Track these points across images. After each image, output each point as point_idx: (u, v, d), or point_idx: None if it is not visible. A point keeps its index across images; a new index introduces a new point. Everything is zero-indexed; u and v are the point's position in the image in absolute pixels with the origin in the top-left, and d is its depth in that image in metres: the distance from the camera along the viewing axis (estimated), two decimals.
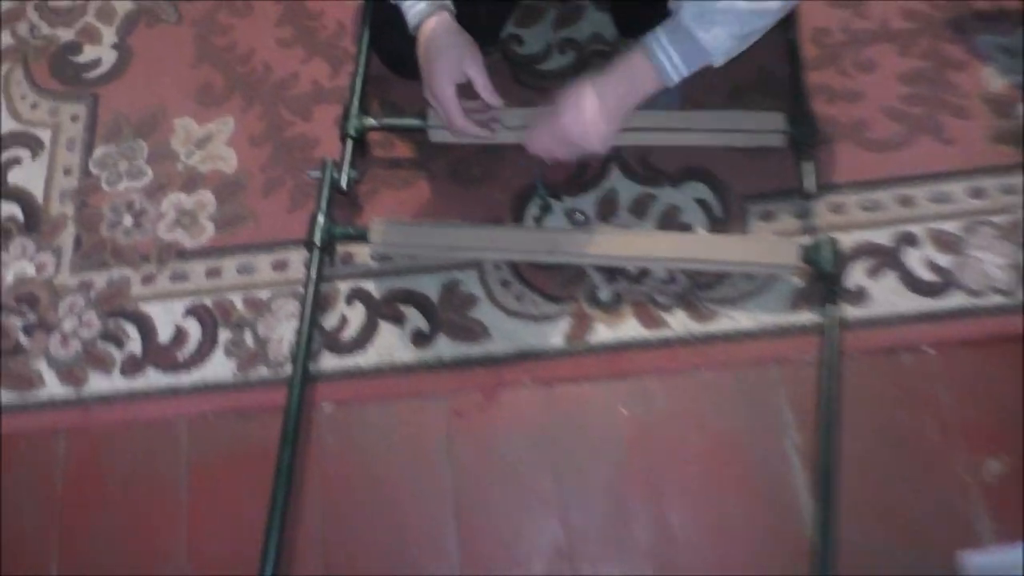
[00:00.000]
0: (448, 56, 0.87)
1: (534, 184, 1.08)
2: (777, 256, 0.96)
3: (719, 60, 0.82)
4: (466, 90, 0.91)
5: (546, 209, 1.07)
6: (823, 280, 0.97)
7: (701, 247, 0.99)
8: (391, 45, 1.06)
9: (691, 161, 1.08)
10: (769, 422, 0.95)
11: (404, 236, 1.01)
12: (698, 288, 1.02)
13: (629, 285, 1.02)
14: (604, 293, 1.02)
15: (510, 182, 1.09)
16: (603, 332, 1.00)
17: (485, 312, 1.02)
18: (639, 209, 1.06)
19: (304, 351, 0.97)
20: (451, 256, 1.03)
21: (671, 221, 1.05)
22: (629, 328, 1.00)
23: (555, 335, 1.00)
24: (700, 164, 1.08)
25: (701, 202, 1.06)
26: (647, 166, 1.08)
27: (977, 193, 1.03)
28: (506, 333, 1.01)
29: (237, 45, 1.22)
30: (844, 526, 0.88)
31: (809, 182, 1.00)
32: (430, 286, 1.04)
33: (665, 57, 0.82)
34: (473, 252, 1.01)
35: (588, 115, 0.84)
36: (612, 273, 1.03)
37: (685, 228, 1.05)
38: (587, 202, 1.07)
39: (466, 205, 1.08)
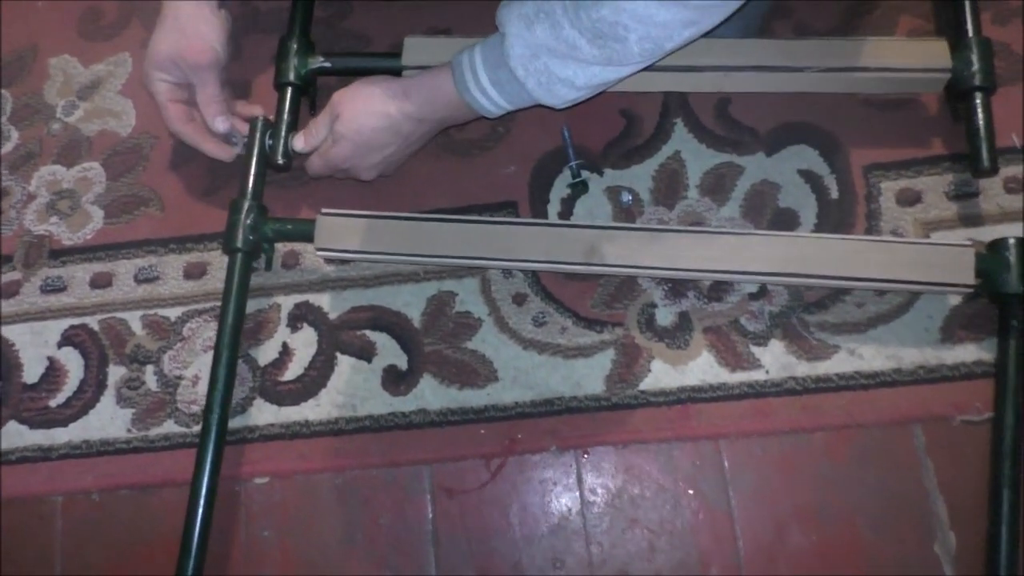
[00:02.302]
0: (164, 42, 0.76)
1: (563, 152, 0.83)
2: (935, 268, 0.70)
3: (558, 106, 0.71)
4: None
5: (580, 188, 0.82)
6: (1001, 302, 0.71)
7: (814, 254, 0.73)
8: None
9: (789, 115, 0.83)
10: (910, 514, 0.72)
11: (368, 236, 0.77)
12: (803, 309, 0.76)
13: (701, 303, 0.77)
14: (665, 314, 0.77)
15: (527, 148, 0.85)
16: (663, 373, 0.77)
17: (490, 341, 0.79)
18: (716, 187, 0.81)
19: (221, 398, 0.73)
20: (439, 264, 0.78)
21: (764, 204, 0.80)
22: (701, 368, 0.77)
23: (592, 377, 0.78)
24: (803, 120, 0.83)
25: (807, 175, 0.80)
26: (727, 123, 0.83)
27: None
28: (520, 373, 0.78)
29: None
30: None
31: (988, 152, 0.73)
32: (410, 302, 0.80)
33: (480, 94, 0.71)
34: (472, 260, 0.76)
35: (363, 137, 0.74)
36: (676, 285, 0.77)
37: (785, 215, 0.79)
38: (640, 177, 0.83)
39: (464, 184, 0.84)
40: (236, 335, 0.75)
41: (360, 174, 0.77)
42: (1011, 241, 0.71)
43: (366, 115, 0.73)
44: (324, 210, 0.78)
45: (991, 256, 0.71)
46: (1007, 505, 0.67)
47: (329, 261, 0.82)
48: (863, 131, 0.81)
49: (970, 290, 0.70)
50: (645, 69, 0.70)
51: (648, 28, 0.62)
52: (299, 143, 0.78)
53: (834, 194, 0.80)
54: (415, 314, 0.81)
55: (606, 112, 0.85)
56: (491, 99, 0.71)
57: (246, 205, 0.78)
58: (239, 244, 0.77)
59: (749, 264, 0.73)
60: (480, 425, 0.77)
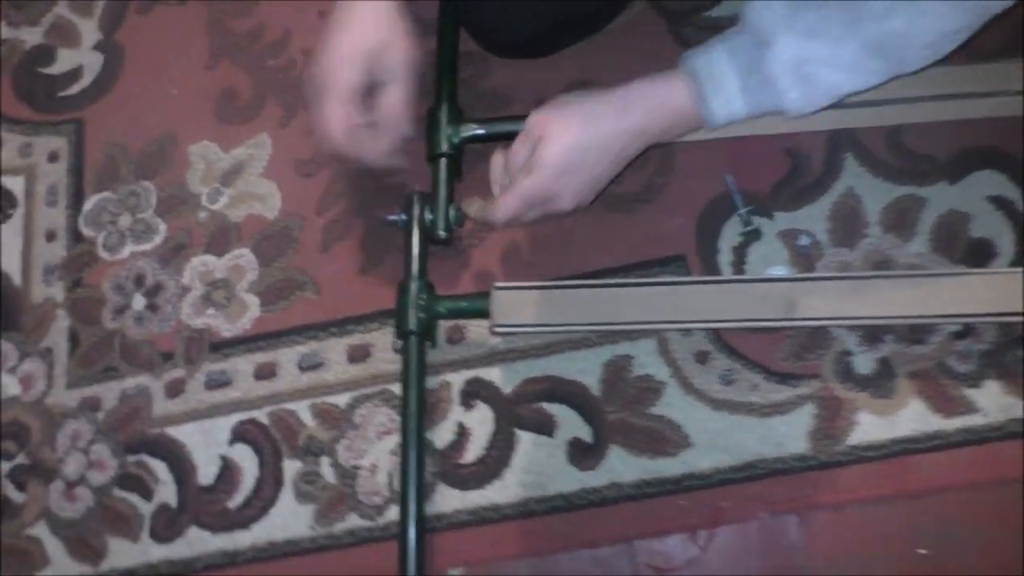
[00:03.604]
0: (369, 31, 0.73)
1: (728, 196, 0.84)
2: None
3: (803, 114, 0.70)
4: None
5: (753, 235, 0.81)
6: None
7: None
8: (483, 11, 0.83)
9: (969, 140, 0.82)
10: None
11: (544, 308, 0.79)
12: (1018, 345, 0.74)
13: (901, 347, 0.77)
14: (863, 362, 0.77)
15: (689, 198, 0.86)
16: (871, 426, 0.76)
17: (676, 405, 0.80)
18: (899, 222, 0.80)
19: (416, 492, 0.75)
20: (626, 331, 0.79)
21: (954, 237, 0.80)
22: (912, 416, 0.76)
23: (793, 435, 0.77)
24: (985, 144, 0.82)
25: (998, 202, 0.80)
26: (901, 153, 0.83)
27: None
28: (714, 436, 0.78)
29: (266, 29, 0.99)
30: None
31: None
32: (586, 369, 0.82)
33: (723, 102, 0.69)
34: (663, 325, 0.77)
35: (568, 159, 0.71)
36: (871, 329, 0.78)
37: (980, 247, 0.78)
38: (814, 218, 0.83)
39: (627, 240, 0.85)
40: (421, 422, 0.77)
41: (559, 204, 0.73)
42: None
43: (576, 134, 0.70)
44: (497, 284, 0.80)
45: None
46: None
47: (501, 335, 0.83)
48: None
49: None
50: None
51: (934, 36, 0.63)
52: (497, 163, 0.76)
53: None
54: (592, 381, 0.81)
55: (769, 152, 0.85)
56: (732, 108, 0.69)
57: (414, 286, 0.80)
58: (413, 327, 0.79)
59: (966, 305, 0.72)
60: (679, 496, 0.77)
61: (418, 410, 0.77)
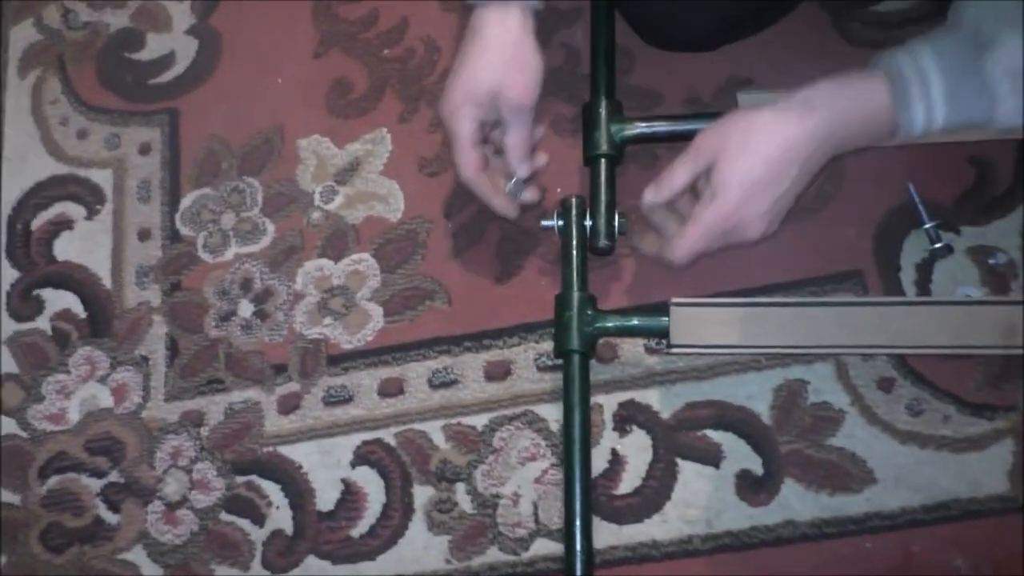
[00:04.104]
0: (485, 71, 0.72)
1: (909, 207, 0.79)
2: None
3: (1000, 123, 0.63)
4: None
5: (943, 252, 0.76)
6: None
7: None
8: (650, 4, 0.79)
9: None
10: None
11: (726, 327, 0.74)
12: None
13: None
14: None
15: (864, 208, 0.81)
16: None
17: (858, 436, 0.75)
18: None
19: (583, 519, 0.69)
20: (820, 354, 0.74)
21: None
22: None
23: (993, 473, 0.72)
24: None
25: None
26: None
27: None
28: (903, 472, 0.73)
29: (379, 16, 0.94)
30: None
31: None
32: (754, 393, 0.77)
33: (923, 108, 0.62)
34: (854, 349, 0.72)
35: (754, 176, 0.65)
36: None
37: None
38: (1005, 233, 0.78)
39: (795, 254, 0.80)
40: (587, 451, 0.72)
41: (747, 233, 0.67)
42: None
43: (759, 146, 0.64)
44: (676, 300, 0.74)
45: None
46: None
47: (658, 350, 0.78)
48: None
49: None
50: None
51: None
52: (651, 194, 0.71)
53: None
54: (762, 408, 0.76)
55: (952, 160, 0.80)
56: (932, 115, 0.63)
57: (577, 298, 0.74)
58: (576, 345, 0.73)
59: None
60: (864, 537, 0.72)
61: (583, 436, 0.72)
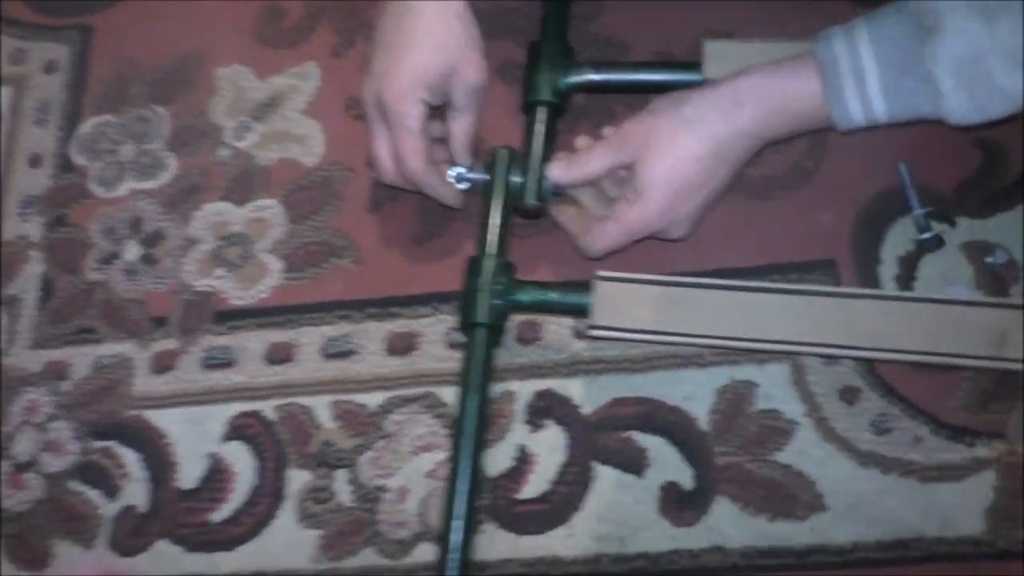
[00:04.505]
0: (436, 50, 0.66)
1: (898, 191, 0.70)
2: None
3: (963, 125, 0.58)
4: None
5: (932, 244, 0.67)
6: None
7: None
8: None
9: None
10: None
11: (660, 310, 0.64)
12: None
13: None
14: None
15: (846, 189, 0.71)
16: None
17: (810, 453, 0.65)
18: None
19: (465, 522, 0.61)
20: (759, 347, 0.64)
21: None
22: None
23: (967, 510, 0.62)
24: None
25: None
26: None
27: None
28: (859, 500, 0.63)
29: None
30: None
31: None
32: (693, 393, 0.67)
33: (858, 102, 0.59)
34: (813, 347, 0.62)
35: (681, 178, 0.63)
36: None
37: None
38: (1009, 228, 0.68)
39: (761, 236, 0.71)
40: (479, 441, 0.63)
41: (672, 232, 0.65)
42: None
43: (685, 145, 0.62)
44: (600, 273, 0.65)
45: None
46: None
47: (586, 335, 0.68)
48: None
49: None
50: None
51: None
52: (558, 171, 0.67)
53: None
54: (701, 411, 0.67)
55: (955, 143, 0.70)
56: (870, 110, 0.59)
57: (491, 264, 0.66)
58: (483, 317, 0.65)
59: None
60: (805, 573, 0.62)
61: (478, 424, 0.63)
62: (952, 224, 0.69)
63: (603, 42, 0.78)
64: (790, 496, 0.64)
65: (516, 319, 0.70)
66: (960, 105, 0.56)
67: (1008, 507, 0.62)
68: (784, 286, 0.66)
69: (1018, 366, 0.60)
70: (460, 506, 0.62)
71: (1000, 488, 0.62)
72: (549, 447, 0.68)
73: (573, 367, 0.69)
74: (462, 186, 0.71)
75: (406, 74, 0.66)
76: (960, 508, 0.62)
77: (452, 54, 0.66)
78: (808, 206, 0.71)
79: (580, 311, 0.66)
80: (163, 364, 0.75)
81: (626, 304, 0.64)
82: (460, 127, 0.69)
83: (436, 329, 0.72)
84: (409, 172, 0.68)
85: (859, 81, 0.58)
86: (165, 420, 0.73)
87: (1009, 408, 0.64)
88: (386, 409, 0.71)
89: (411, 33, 0.66)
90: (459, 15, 0.67)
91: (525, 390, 0.69)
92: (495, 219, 0.68)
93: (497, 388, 0.69)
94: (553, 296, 0.66)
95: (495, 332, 0.67)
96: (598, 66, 0.72)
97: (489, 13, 0.75)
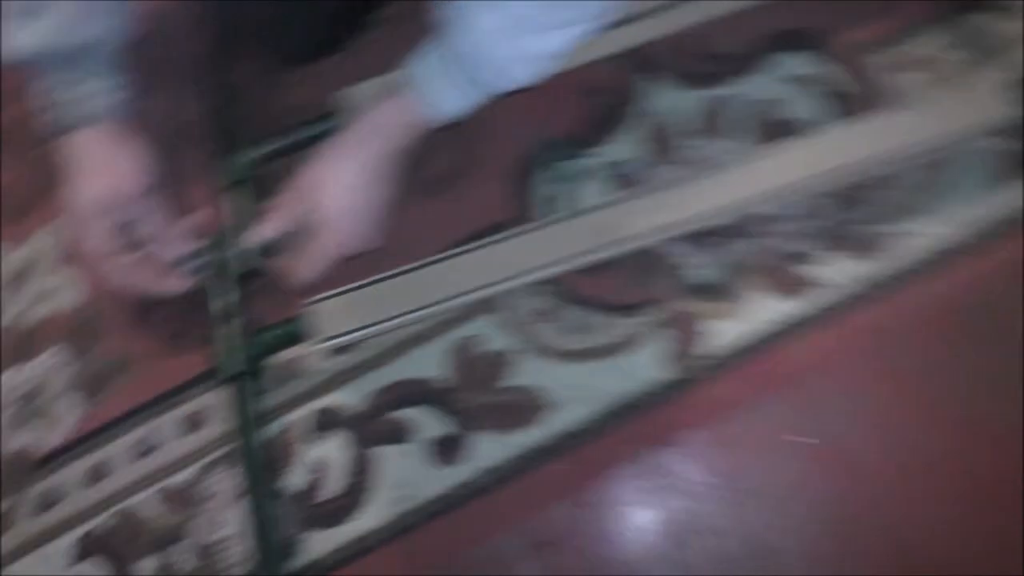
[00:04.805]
0: (91, 182, 0.76)
1: (541, 154, 0.87)
2: (971, 113, 0.71)
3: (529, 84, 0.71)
4: None
5: (564, 178, 0.84)
6: None
7: (846, 143, 0.74)
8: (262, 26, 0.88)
9: (762, 26, 0.87)
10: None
11: (368, 308, 0.79)
12: (846, 210, 0.77)
13: (737, 244, 0.78)
14: (702, 271, 0.78)
15: (499, 162, 0.88)
16: (727, 331, 0.78)
17: (529, 371, 0.80)
18: (709, 125, 0.85)
19: (268, 544, 0.73)
20: (455, 306, 0.79)
21: (770, 123, 0.83)
22: (766, 309, 0.77)
23: (651, 364, 0.78)
24: (778, 27, 0.87)
25: (805, 81, 0.83)
26: (697, 57, 0.87)
27: None
28: (576, 391, 0.79)
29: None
30: None
31: None
32: (430, 364, 0.81)
33: (451, 100, 0.72)
34: (487, 289, 0.78)
35: (349, 204, 0.74)
36: (703, 236, 0.80)
37: (794, 127, 0.83)
38: (629, 145, 0.86)
39: (446, 222, 0.86)
40: (263, 467, 0.76)
41: (360, 245, 0.76)
42: None
43: (344, 180, 0.74)
44: (312, 298, 0.79)
45: None
46: None
47: (331, 352, 0.82)
48: (845, 15, 0.85)
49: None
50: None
51: None
52: (269, 230, 0.77)
53: (837, 88, 0.83)
54: (443, 373, 0.81)
55: (566, 95, 0.87)
56: (463, 100, 0.72)
57: (231, 324, 0.79)
58: (238, 368, 0.78)
59: (785, 176, 0.73)
60: (554, 462, 0.77)
61: (260, 458, 0.76)
62: (580, 157, 0.86)
63: (290, 110, 0.92)
64: (523, 408, 0.78)
65: (279, 365, 0.84)
66: (513, 73, 0.69)
67: (679, 348, 0.77)
68: (453, 252, 0.80)
69: (630, 247, 0.76)
70: (266, 526, 0.74)
71: (669, 336, 0.78)
72: (337, 450, 0.81)
73: (335, 381, 0.83)
74: (190, 272, 0.82)
75: (81, 202, 0.76)
76: (647, 364, 0.78)
77: (110, 178, 0.76)
78: (475, 186, 0.87)
79: (313, 334, 0.79)
80: (4, 526, 0.85)
81: (341, 313, 0.78)
82: (152, 228, 0.79)
83: (217, 399, 0.85)
84: (120, 287, 0.79)
85: (442, 87, 0.70)
86: (25, 568, 0.84)
87: (658, 277, 0.80)
88: (200, 478, 0.83)
89: (72, 175, 0.76)
90: (107, 140, 0.76)
91: (303, 415, 0.82)
92: (225, 286, 0.81)
93: (279, 424, 0.82)
94: (280, 332, 0.80)
95: (255, 377, 0.80)
96: (269, 138, 0.87)
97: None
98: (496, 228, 0.84)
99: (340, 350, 0.83)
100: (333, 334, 0.78)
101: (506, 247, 0.80)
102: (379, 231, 0.76)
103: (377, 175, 0.74)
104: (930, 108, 0.74)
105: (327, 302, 0.79)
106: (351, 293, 0.79)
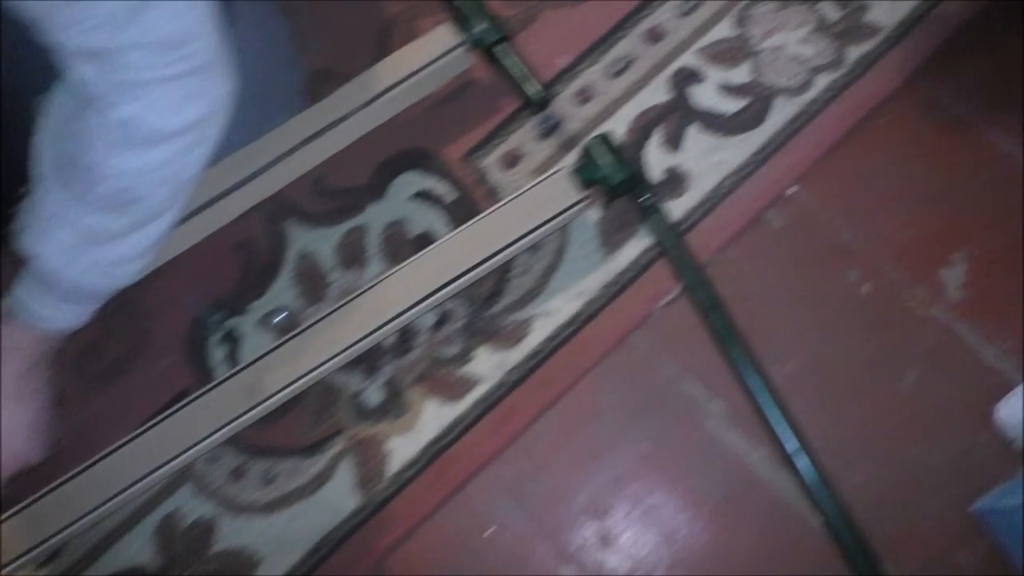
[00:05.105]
0: None
1: (200, 319, 0.92)
2: (551, 202, 0.82)
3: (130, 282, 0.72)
4: None
5: (231, 338, 0.89)
6: (622, 191, 0.83)
7: (456, 252, 0.82)
8: None
9: (377, 155, 0.95)
10: (670, 406, 0.82)
11: (62, 510, 0.80)
12: (484, 307, 0.86)
13: (397, 361, 0.86)
14: (372, 394, 0.86)
15: (167, 337, 0.92)
16: (403, 446, 0.85)
17: (233, 531, 0.85)
18: (353, 257, 0.92)
19: None
20: (143, 493, 0.82)
21: (401, 243, 0.92)
22: (432, 417, 0.85)
23: (343, 495, 0.84)
24: (392, 152, 0.95)
25: (422, 196, 0.92)
26: (330, 195, 0.94)
27: None
28: (277, 539, 0.84)
29: None
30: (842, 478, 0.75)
31: (530, 86, 0.87)
32: (140, 548, 0.85)
33: (57, 318, 0.71)
34: (161, 471, 0.80)
35: (20, 429, 0.74)
36: (368, 362, 0.87)
37: (422, 241, 0.91)
38: (282, 292, 0.92)
39: (129, 406, 0.89)
40: None
41: (34, 456, 0.76)
42: (591, 141, 0.83)
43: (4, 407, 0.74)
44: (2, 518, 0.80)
45: (588, 163, 0.83)
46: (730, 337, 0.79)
47: (38, 564, 0.83)
48: (443, 130, 0.94)
49: (584, 203, 0.82)
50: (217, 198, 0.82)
51: (150, 175, 0.66)
52: None
53: (451, 196, 0.92)
54: (149, 557, 0.84)
55: (220, 254, 0.93)
56: (72, 315, 0.72)
57: None
58: None
59: (410, 297, 0.81)
60: None
61: None
62: (244, 312, 0.91)
63: None
64: (239, 569, 0.82)
65: None
66: (102, 282, 0.70)
67: (365, 474, 0.84)
68: (131, 435, 0.82)
69: (280, 398, 0.80)
70: None
71: (355, 464, 0.84)
72: None
73: None
74: None
75: None
76: (339, 496, 0.83)
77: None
78: (150, 362, 0.91)
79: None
80: None
81: (33, 528, 0.79)
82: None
83: None
84: None
85: (44, 304, 0.70)
86: None
87: (336, 409, 0.86)
88: None
89: None
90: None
91: None
92: None
93: None
94: None
95: None
96: None
97: None
98: (181, 396, 0.87)
99: (47, 559, 0.84)
100: (32, 545, 0.79)
101: (186, 415, 0.82)
102: (39, 445, 0.77)
103: (19, 394, 0.75)
104: (529, 198, 0.83)
105: (23, 513, 0.80)
106: (47, 496, 0.80)
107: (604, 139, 0.84)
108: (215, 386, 0.81)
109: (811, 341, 0.82)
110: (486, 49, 0.89)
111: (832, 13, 0.92)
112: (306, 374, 0.81)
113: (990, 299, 0.81)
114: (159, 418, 0.83)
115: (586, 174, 0.83)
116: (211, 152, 0.67)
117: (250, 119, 0.84)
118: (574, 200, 0.82)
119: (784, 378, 0.80)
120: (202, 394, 0.81)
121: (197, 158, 0.66)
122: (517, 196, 0.83)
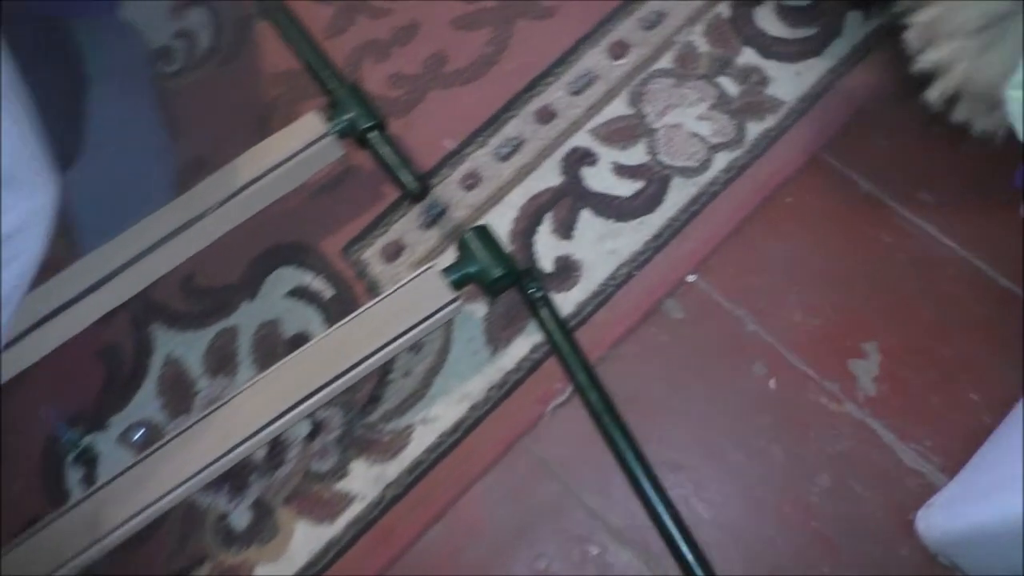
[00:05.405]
0: None
1: (56, 435, 0.84)
2: (424, 301, 0.76)
3: None
4: None
5: (86, 456, 0.83)
6: (506, 286, 0.78)
7: (326, 355, 0.76)
8: None
9: (251, 249, 0.90)
10: (560, 519, 0.75)
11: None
12: (361, 415, 0.79)
13: (266, 479, 0.79)
14: (239, 516, 0.78)
15: (30, 449, 0.85)
16: (274, 572, 0.76)
17: None
18: (222, 362, 0.85)
19: None
20: None
21: (274, 345, 0.85)
22: (303, 541, 0.78)
23: None
24: (265, 246, 0.89)
25: (298, 292, 0.86)
26: (198, 295, 0.88)
27: (618, 51, 0.91)
28: None
29: None
30: None
31: (405, 175, 0.81)
32: None
33: None
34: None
35: None
36: (234, 479, 0.80)
37: (298, 341, 0.84)
38: (145, 404, 0.85)
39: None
40: None
41: None
42: (466, 236, 0.78)
43: None
44: None
45: (462, 259, 0.77)
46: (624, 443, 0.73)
47: None
48: (322, 221, 0.89)
49: (457, 303, 0.76)
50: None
51: None
52: None
53: (329, 293, 0.85)
54: None
55: (82, 360, 0.87)
56: None
57: None
58: None
59: (280, 404, 0.74)
60: None
61: None
62: (105, 427, 0.84)
63: None
64: None
65: None
66: None
67: None
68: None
69: (127, 531, 0.73)
70: None
71: None
72: None
73: None
74: None
75: None
76: None
77: None
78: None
79: None
80: None
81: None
82: None
83: None
84: None
85: None
86: None
87: (201, 534, 0.79)
88: None
89: None
90: None
91: None
92: None
93: None
94: None
95: None
96: None
97: None
98: (32, 522, 0.80)
99: None
100: None
101: (26, 550, 0.75)
102: None
103: None
104: (400, 297, 0.77)
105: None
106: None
107: (482, 231, 0.78)
108: (57, 516, 0.74)
109: (713, 446, 0.76)
110: (359, 136, 0.83)
111: (731, 88, 0.87)
112: (159, 499, 0.74)
113: (907, 392, 0.76)
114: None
115: (458, 271, 0.77)
116: (33, 267, 0.62)
117: (118, 213, 0.79)
118: (446, 300, 0.76)
119: (683, 487, 0.74)
120: (42, 527, 0.74)
121: (14, 274, 0.61)
122: (388, 295, 0.77)
